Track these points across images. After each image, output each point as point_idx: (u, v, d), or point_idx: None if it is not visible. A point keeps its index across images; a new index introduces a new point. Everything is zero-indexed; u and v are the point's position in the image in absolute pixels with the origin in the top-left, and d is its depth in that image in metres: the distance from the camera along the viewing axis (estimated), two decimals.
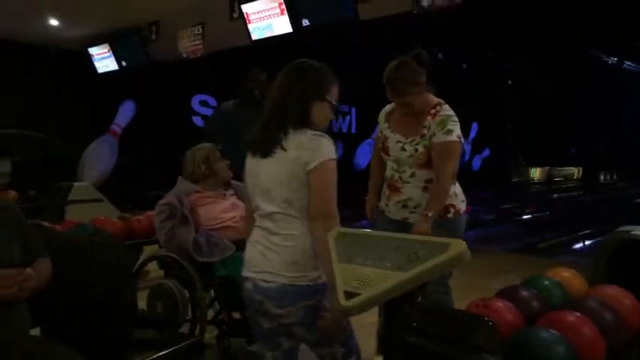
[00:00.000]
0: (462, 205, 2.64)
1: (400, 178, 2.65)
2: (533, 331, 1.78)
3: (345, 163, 12.98)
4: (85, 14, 7.20)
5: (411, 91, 2.49)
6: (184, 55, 7.14)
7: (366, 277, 1.36)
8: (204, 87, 10.34)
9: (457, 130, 2.50)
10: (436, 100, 2.59)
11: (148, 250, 3.78)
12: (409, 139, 2.59)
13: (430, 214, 2.41)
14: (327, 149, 1.73)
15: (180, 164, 3.11)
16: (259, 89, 3.83)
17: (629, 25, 10.89)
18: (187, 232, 2.78)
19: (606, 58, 14.39)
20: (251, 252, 1.87)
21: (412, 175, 2.61)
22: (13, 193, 6.06)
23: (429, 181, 2.57)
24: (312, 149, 1.71)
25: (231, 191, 3.11)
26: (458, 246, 1.31)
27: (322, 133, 1.76)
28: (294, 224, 1.74)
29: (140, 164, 9.39)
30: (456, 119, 2.52)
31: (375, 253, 1.42)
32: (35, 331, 1.78)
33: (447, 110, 2.54)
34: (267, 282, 1.76)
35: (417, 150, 2.55)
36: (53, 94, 8.93)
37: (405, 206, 2.65)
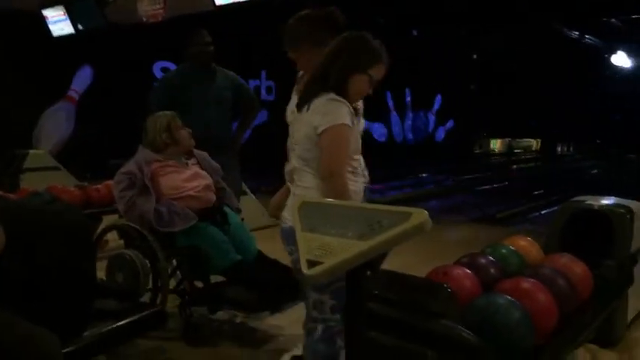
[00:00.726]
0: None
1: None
2: (490, 297, 1.83)
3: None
4: None
5: (298, 46, 2.18)
6: (144, 19, 6.89)
7: (328, 246, 1.37)
8: (165, 53, 10.04)
9: None
10: None
11: (107, 219, 3.71)
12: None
13: None
14: (337, 114, 1.82)
15: (140, 132, 3.03)
16: (206, 52, 3.64)
17: None
18: (148, 201, 2.74)
19: (568, 32, 14.62)
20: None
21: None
22: None
23: None
24: (323, 113, 1.82)
25: (193, 160, 3.06)
26: (419, 215, 1.32)
27: (339, 98, 1.84)
28: (307, 178, 1.91)
29: (99, 132, 9.12)
30: None
31: (338, 222, 1.43)
32: None
33: None
34: (284, 224, 1.98)
35: None
36: (5, 58, 8.51)
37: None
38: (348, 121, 1.83)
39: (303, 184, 1.92)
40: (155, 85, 4.00)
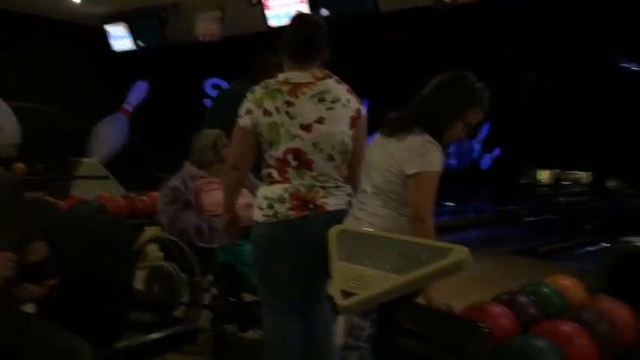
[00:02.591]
0: (256, 211, 2.10)
1: None
2: (527, 339, 1.77)
3: None
4: None
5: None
6: (201, 39, 7.09)
7: (364, 278, 1.36)
8: (217, 70, 10.30)
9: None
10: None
11: (149, 230, 3.79)
12: None
13: None
14: (432, 159, 1.79)
15: (188, 147, 3.11)
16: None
17: None
18: (190, 216, 2.80)
19: (626, 64, 14.17)
20: None
21: None
22: (20, 166, 6.07)
23: None
24: (419, 154, 1.79)
25: None
26: (459, 252, 1.30)
27: (435, 142, 1.80)
28: (374, 205, 1.88)
29: (149, 144, 9.39)
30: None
31: (375, 253, 1.42)
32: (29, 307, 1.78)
33: None
34: None
35: None
36: (68, 69, 8.92)
37: None
38: (440, 168, 1.80)
39: (369, 209, 1.86)
40: (218, 96, 3.79)
